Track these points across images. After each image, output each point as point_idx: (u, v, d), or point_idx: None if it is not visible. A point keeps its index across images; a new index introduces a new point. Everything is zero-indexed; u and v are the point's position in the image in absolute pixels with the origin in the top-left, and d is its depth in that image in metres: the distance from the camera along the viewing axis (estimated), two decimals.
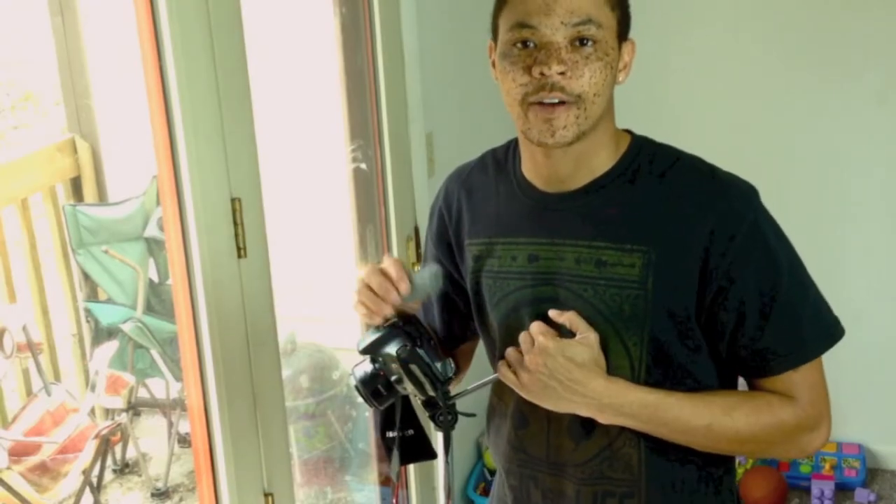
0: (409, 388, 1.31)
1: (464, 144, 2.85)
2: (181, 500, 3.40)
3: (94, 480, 3.07)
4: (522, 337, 1.29)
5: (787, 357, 1.30)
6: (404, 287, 1.30)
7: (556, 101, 1.22)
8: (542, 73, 1.21)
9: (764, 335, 1.29)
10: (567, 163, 1.31)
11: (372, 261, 2.64)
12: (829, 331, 1.34)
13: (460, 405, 1.35)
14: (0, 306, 3.33)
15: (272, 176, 1.90)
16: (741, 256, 1.25)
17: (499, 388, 1.46)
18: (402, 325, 1.31)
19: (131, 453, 3.53)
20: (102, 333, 3.42)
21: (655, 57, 3.02)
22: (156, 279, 3.59)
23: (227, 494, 1.83)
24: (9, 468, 2.78)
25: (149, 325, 3.32)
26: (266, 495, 1.91)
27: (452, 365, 1.33)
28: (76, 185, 3.71)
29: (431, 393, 1.30)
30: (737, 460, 3.13)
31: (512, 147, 1.43)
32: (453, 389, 1.35)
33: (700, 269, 1.26)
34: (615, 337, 1.30)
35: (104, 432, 2.90)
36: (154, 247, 3.51)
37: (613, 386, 1.28)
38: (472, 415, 1.42)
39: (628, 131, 1.37)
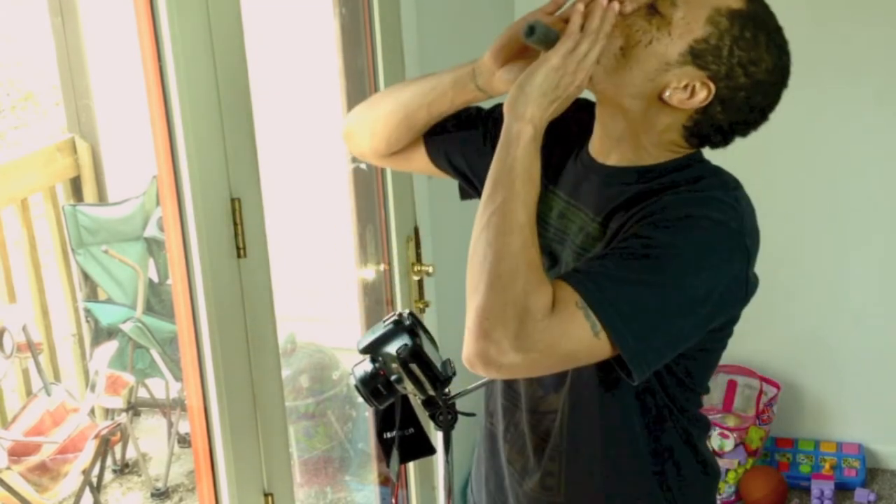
0: (408, 387, 1.31)
1: None
2: (181, 500, 3.40)
3: (94, 480, 3.07)
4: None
5: (579, 276, 1.20)
6: None
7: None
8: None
9: (593, 259, 1.24)
10: (602, 135, 1.34)
11: (372, 261, 2.64)
12: (624, 319, 1.18)
13: (460, 405, 1.35)
14: (0, 306, 3.33)
15: (272, 176, 1.90)
16: (643, 220, 1.23)
17: None
18: (403, 323, 1.31)
19: (131, 453, 3.53)
20: (102, 333, 3.42)
21: None
22: (156, 279, 3.59)
23: (226, 494, 1.83)
24: (9, 468, 2.78)
25: (149, 325, 3.32)
26: (266, 495, 1.91)
27: (452, 365, 1.33)
28: (76, 185, 3.71)
29: (431, 392, 1.30)
30: (737, 460, 3.16)
31: (592, 106, 1.42)
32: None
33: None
34: None
35: (104, 432, 2.90)
36: (154, 247, 3.51)
37: (537, 127, 1.25)
38: (472, 414, 1.43)
39: (696, 151, 1.35)
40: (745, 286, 1.27)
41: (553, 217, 1.40)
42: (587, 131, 1.39)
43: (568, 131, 1.43)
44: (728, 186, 1.30)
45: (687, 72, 1.24)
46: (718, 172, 1.33)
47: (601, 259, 1.23)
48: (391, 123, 1.53)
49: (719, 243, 1.24)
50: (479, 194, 1.32)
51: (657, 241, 1.21)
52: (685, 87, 1.24)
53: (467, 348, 1.16)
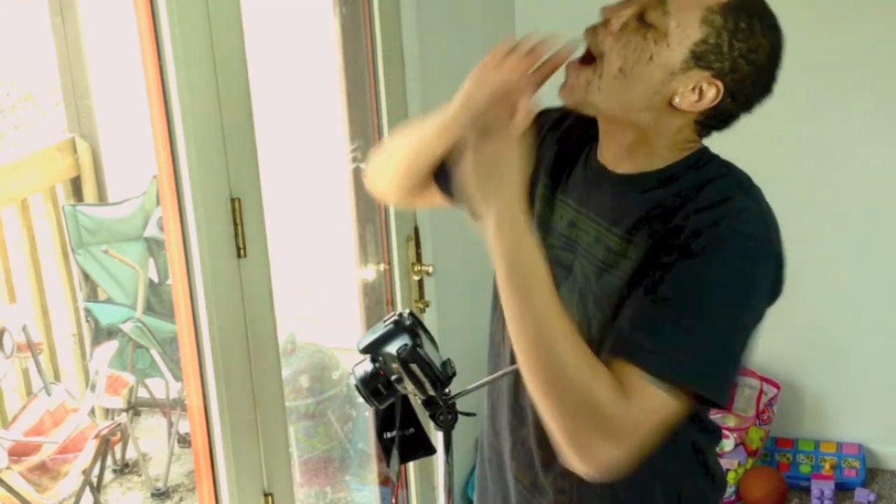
0: (409, 387, 1.31)
1: None
2: (181, 500, 3.40)
3: (94, 480, 3.07)
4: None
5: (640, 351, 1.17)
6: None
7: (586, 55, 1.25)
8: (595, 30, 1.26)
9: (642, 319, 1.21)
10: (612, 146, 1.33)
11: (372, 262, 2.64)
12: (701, 373, 1.19)
13: (460, 405, 1.35)
14: (0, 306, 3.33)
15: (272, 176, 1.90)
16: (686, 258, 1.20)
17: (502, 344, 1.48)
18: (403, 323, 1.31)
19: (131, 453, 3.53)
20: (102, 333, 3.42)
21: None
22: (156, 279, 3.59)
23: (227, 494, 1.83)
24: (9, 468, 2.78)
25: (149, 325, 3.32)
26: (266, 495, 1.91)
27: (452, 365, 1.33)
28: (76, 185, 3.71)
29: (431, 392, 1.30)
30: (737, 460, 3.16)
31: None
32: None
33: (654, 259, 1.25)
34: (605, 324, 1.28)
35: (104, 432, 2.90)
36: (154, 247, 3.51)
37: (518, 197, 1.21)
38: (472, 414, 1.42)
39: (704, 148, 1.34)
40: (780, 285, 1.29)
41: (563, 226, 1.39)
42: (589, 136, 1.39)
43: (569, 137, 1.44)
44: (743, 186, 1.30)
45: (692, 76, 1.23)
46: (731, 170, 1.33)
47: (645, 313, 1.20)
48: (399, 171, 1.55)
49: (754, 262, 1.23)
50: None
51: (696, 277, 1.20)
52: (693, 89, 1.24)
53: (573, 465, 1.18)
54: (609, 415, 1.14)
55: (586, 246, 1.34)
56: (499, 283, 1.22)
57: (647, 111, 1.26)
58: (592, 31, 1.27)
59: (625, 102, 1.26)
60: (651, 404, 1.16)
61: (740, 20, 1.24)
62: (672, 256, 1.21)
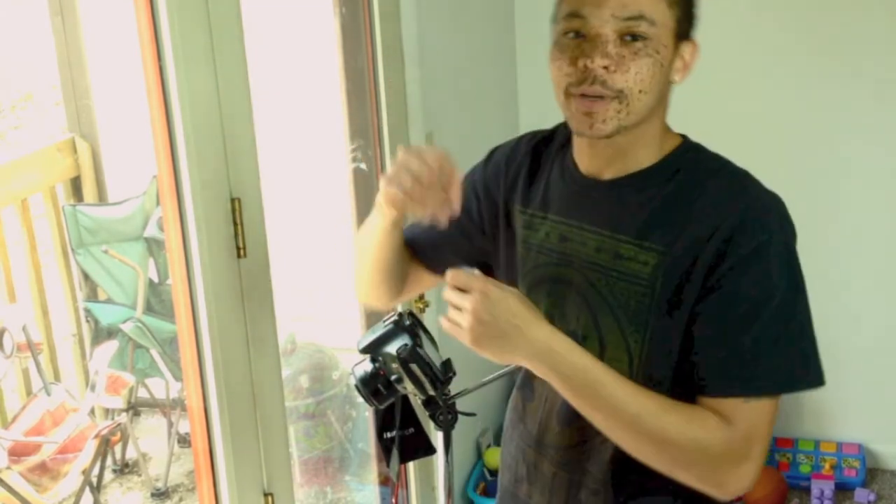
0: (408, 387, 1.31)
1: (464, 144, 2.85)
2: (181, 500, 3.40)
3: (94, 480, 3.07)
4: (458, 282, 1.25)
5: (732, 382, 1.23)
6: (455, 193, 1.28)
7: (598, 95, 1.22)
8: (585, 66, 1.22)
9: (721, 350, 1.24)
10: (608, 153, 1.32)
11: None
12: (791, 374, 1.25)
13: (460, 405, 1.35)
14: (0, 306, 3.33)
15: (272, 176, 1.90)
16: (741, 265, 1.22)
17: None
18: (403, 323, 1.31)
19: (131, 453, 3.53)
20: (102, 333, 3.42)
21: None
22: (156, 279, 3.59)
23: (226, 494, 1.83)
24: (9, 468, 2.78)
25: (149, 325, 3.32)
26: (266, 495, 1.91)
27: (452, 365, 1.33)
28: (76, 185, 3.71)
29: (431, 392, 1.30)
30: None
31: None
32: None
33: (706, 273, 1.24)
34: (617, 329, 1.30)
35: (104, 432, 2.90)
36: (154, 247, 3.51)
37: (556, 338, 1.25)
38: (472, 414, 1.42)
39: (682, 136, 1.36)
40: None
41: (552, 243, 1.38)
42: (548, 154, 1.43)
43: (529, 160, 1.46)
44: (740, 169, 1.32)
45: (679, 51, 1.28)
46: (718, 155, 1.35)
47: (722, 345, 1.23)
48: (375, 279, 1.52)
49: (790, 242, 1.27)
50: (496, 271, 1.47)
51: (759, 286, 1.23)
52: (681, 61, 1.29)
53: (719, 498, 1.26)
54: (724, 450, 1.22)
55: (586, 257, 1.34)
56: (562, 394, 1.28)
57: (658, 105, 1.29)
58: (581, 72, 1.23)
59: (647, 111, 1.26)
60: (757, 417, 1.23)
61: None
62: (719, 277, 1.23)
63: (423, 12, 2.44)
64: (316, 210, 3.12)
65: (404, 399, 1.38)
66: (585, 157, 1.36)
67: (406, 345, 1.28)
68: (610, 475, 1.36)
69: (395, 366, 1.30)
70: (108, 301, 3.48)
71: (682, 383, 1.27)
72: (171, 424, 3.46)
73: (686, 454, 1.23)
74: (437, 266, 1.54)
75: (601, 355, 1.30)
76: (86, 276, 3.50)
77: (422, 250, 1.55)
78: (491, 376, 1.44)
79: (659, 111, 1.30)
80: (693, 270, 1.24)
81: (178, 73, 1.62)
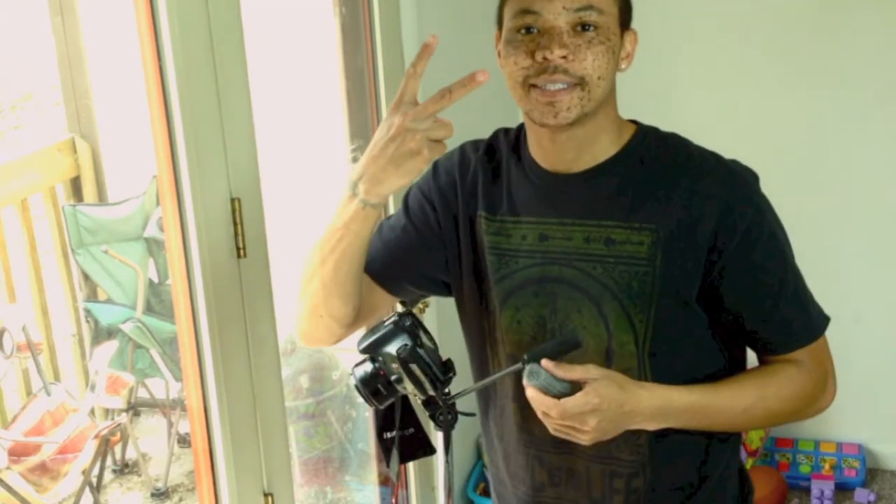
0: (408, 387, 1.31)
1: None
2: (181, 500, 3.40)
3: (94, 480, 3.07)
4: (543, 405, 1.27)
5: (799, 335, 1.38)
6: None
7: (560, 86, 1.26)
8: (544, 58, 1.25)
9: (776, 315, 1.36)
10: (571, 146, 1.34)
11: None
12: (821, 310, 1.43)
13: (460, 405, 1.35)
14: (0, 306, 3.33)
15: (272, 176, 1.90)
16: (748, 240, 1.31)
17: (492, 371, 1.48)
18: (403, 324, 1.31)
19: (131, 453, 3.53)
20: (102, 333, 3.42)
21: (655, 59, 3.02)
22: (156, 279, 3.59)
23: (226, 494, 1.83)
24: (8, 468, 2.78)
25: (149, 325, 3.32)
26: (266, 495, 1.91)
27: (452, 365, 1.33)
28: (76, 185, 3.71)
29: (431, 392, 1.30)
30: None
31: (523, 129, 1.45)
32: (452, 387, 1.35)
33: (707, 251, 1.30)
34: (622, 313, 1.33)
35: (104, 432, 2.90)
36: (154, 247, 3.51)
37: (657, 393, 1.32)
38: (472, 414, 1.43)
39: (633, 121, 1.41)
40: None
41: (530, 243, 1.39)
42: (496, 158, 1.44)
43: (484, 166, 1.45)
44: (703, 151, 1.38)
45: (623, 42, 1.32)
46: (675, 136, 1.40)
47: (773, 311, 1.37)
48: (330, 290, 1.38)
49: (771, 208, 1.37)
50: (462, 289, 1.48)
51: (772, 257, 1.35)
52: (627, 52, 1.34)
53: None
54: (813, 387, 1.40)
55: (575, 249, 1.35)
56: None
57: (611, 93, 1.33)
58: (539, 64, 1.27)
59: (605, 96, 1.31)
60: (822, 350, 1.42)
61: None
62: (730, 249, 1.31)
63: (423, 12, 2.44)
64: (316, 210, 3.11)
65: (404, 399, 1.38)
66: (549, 154, 1.37)
67: (406, 345, 1.28)
68: (650, 456, 1.40)
69: (395, 366, 1.30)
70: (108, 301, 3.48)
71: (708, 349, 1.39)
72: (171, 424, 3.46)
73: (790, 410, 1.40)
74: (391, 283, 1.47)
75: (608, 341, 1.34)
76: (86, 276, 3.50)
77: (377, 266, 1.45)
78: (491, 376, 1.44)
79: (612, 98, 1.34)
80: (695, 250, 1.31)
81: (178, 73, 1.62)
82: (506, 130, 1.49)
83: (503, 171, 1.44)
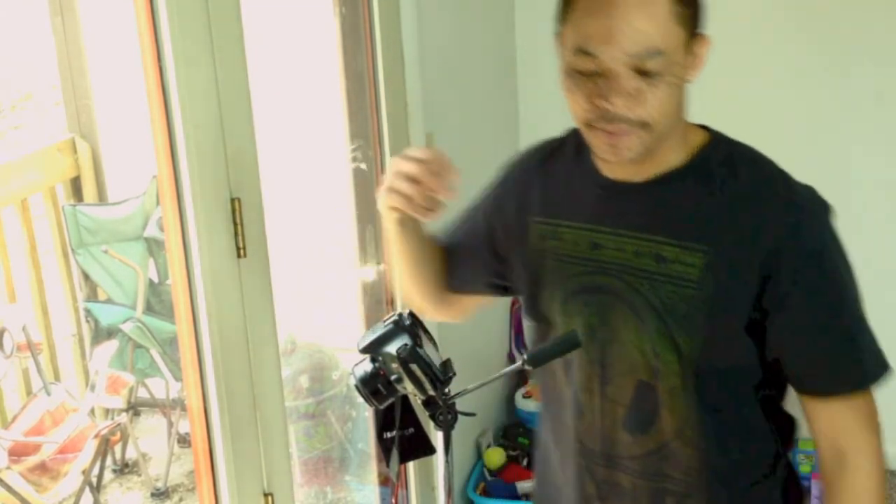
0: (408, 387, 1.31)
1: (464, 144, 2.85)
2: (181, 500, 3.40)
3: (94, 480, 3.07)
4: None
5: (844, 377, 1.31)
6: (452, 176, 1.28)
7: (622, 126, 1.20)
8: (604, 106, 1.19)
9: (824, 352, 1.30)
10: (628, 162, 1.28)
11: (372, 261, 2.64)
12: (882, 359, 1.34)
13: (460, 405, 1.35)
14: (0, 306, 3.34)
15: (272, 176, 1.90)
16: (808, 274, 1.25)
17: (553, 375, 1.45)
18: (403, 324, 1.31)
19: (131, 453, 3.53)
20: (102, 333, 3.42)
21: None
22: (156, 279, 3.60)
23: (226, 494, 1.83)
24: (8, 468, 2.78)
25: (149, 325, 3.32)
26: (266, 495, 1.91)
27: (452, 365, 1.33)
28: (76, 185, 3.71)
29: (431, 392, 1.30)
30: None
31: None
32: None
33: (762, 280, 1.25)
34: (666, 334, 1.29)
35: (104, 432, 2.90)
36: (154, 247, 3.51)
37: None
38: (472, 414, 1.42)
39: (704, 127, 1.34)
40: None
41: (582, 250, 1.35)
42: (564, 159, 1.40)
43: (543, 168, 1.43)
44: (774, 167, 1.32)
45: (692, 51, 1.22)
46: (748, 150, 1.33)
47: (826, 347, 1.31)
48: (409, 284, 1.55)
49: (839, 239, 1.31)
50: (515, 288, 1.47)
51: (832, 288, 1.30)
52: (697, 60, 1.24)
53: None
54: (878, 462, 1.33)
55: (625, 262, 1.31)
56: None
57: (676, 112, 1.26)
58: (599, 109, 1.20)
59: (670, 128, 1.25)
60: (870, 408, 1.33)
61: None
62: (788, 273, 1.25)
63: (423, 12, 2.44)
64: (316, 210, 3.12)
65: (404, 399, 1.38)
66: (611, 163, 1.32)
67: (406, 345, 1.28)
68: (704, 477, 1.35)
69: (395, 366, 1.30)
70: (108, 301, 3.49)
71: (752, 378, 1.33)
72: (171, 424, 3.46)
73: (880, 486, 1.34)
74: (461, 287, 1.55)
75: (653, 358, 1.30)
76: (86, 276, 3.50)
77: (450, 280, 1.54)
78: (491, 376, 1.44)
79: (679, 114, 1.27)
80: (749, 277, 1.25)
81: (178, 73, 1.62)
82: (577, 131, 1.38)
83: (562, 174, 1.40)
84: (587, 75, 1.19)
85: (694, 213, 1.27)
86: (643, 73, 1.17)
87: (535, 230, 1.41)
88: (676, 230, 1.28)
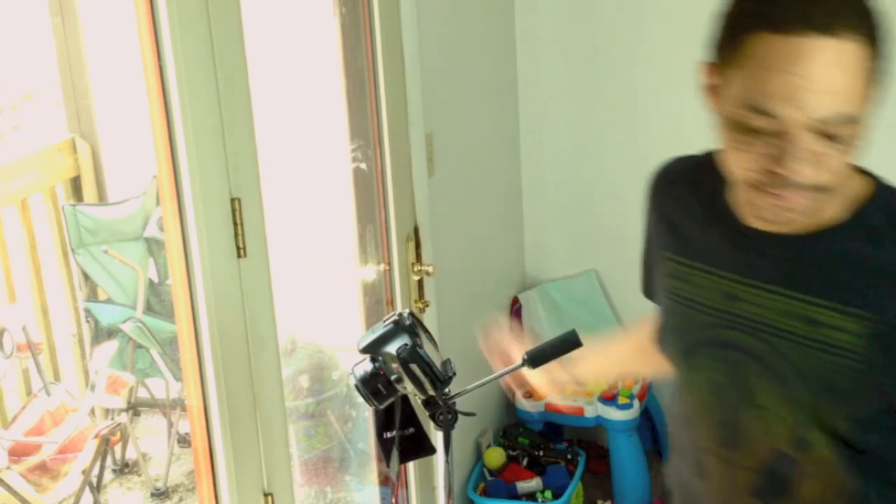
0: (408, 387, 1.31)
1: (464, 144, 2.85)
2: (181, 500, 3.41)
3: (94, 480, 3.07)
4: None
5: None
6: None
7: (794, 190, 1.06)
8: (775, 172, 1.04)
9: None
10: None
11: (372, 261, 2.64)
12: None
13: (460, 405, 1.35)
14: (0, 306, 3.34)
15: (272, 176, 1.90)
16: None
17: (678, 426, 1.37)
18: (403, 323, 1.31)
19: (131, 453, 3.53)
20: (102, 333, 3.42)
21: (652, 55, 3.02)
22: (156, 279, 3.60)
23: (226, 494, 1.83)
24: (9, 468, 2.78)
25: (149, 325, 3.33)
26: (266, 495, 1.91)
27: (452, 365, 1.33)
28: (76, 185, 3.71)
29: (431, 392, 1.30)
30: None
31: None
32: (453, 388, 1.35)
33: None
34: (819, 408, 1.15)
35: (104, 432, 2.91)
36: (154, 247, 3.51)
37: None
38: (472, 414, 1.42)
39: (870, 174, 1.18)
40: None
41: (715, 300, 1.21)
42: (703, 198, 1.24)
43: (679, 205, 1.29)
44: None
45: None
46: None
47: None
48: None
49: None
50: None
51: None
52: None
53: None
54: None
55: (767, 320, 1.17)
56: None
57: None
58: (769, 173, 1.05)
59: (843, 185, 1.11)
60: None
61: (878, 31, 1.04)
62: None
63: (423, 12, 2.44)
64: (316, 210, 3.12)
65: (404, 399, 1.38)
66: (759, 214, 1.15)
67: (406, 344, 1.28)
68: None
69: (395, 366, 1.30)
70: (108, 301, 3.49)
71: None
72: (171, 424, 3.46)
73: None
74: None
75: (800, 430, 1.17)
76: (86, 276, 3.50)
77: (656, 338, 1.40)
78: (491, 376, 1.44)
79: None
80: None
81: (178, 73, 1.62)
82: (699, 162, 1.27)
83: (699, 209, 1.25)
84: (756, 132, 1.03)
85: (855, 273, 1.12)
86: (828, 136, 1.02)
87: (666, 267, 1.30)
88: (834, 292, 1.12)
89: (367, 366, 1.33)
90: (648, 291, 1.43)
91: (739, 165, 1.07)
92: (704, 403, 1.25)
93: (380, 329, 1.32)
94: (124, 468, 3.55)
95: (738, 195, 1.17)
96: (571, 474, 2.99)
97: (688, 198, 1.28)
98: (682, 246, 1.26)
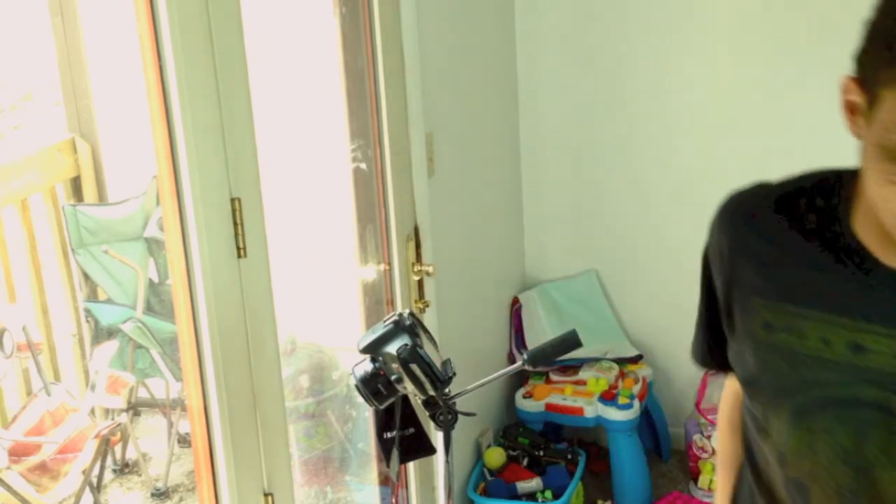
0: (409, 387, 1.31)
1: (464, 144, 2.85)
2: (181, 500, 3.40)
3: (94, 480, 3.07)
4: None
5: None
6: None
7: None
8: None
9: None
10: None
11: (372, 261, 2.64)
12: None
13: (460, 405, 1.35)
14: (0, 306, 3.34)
15: (272, 176, 1.90)
16: None
17: (771, 491, 1.20)
18: (403, 323, 1.31)
19: (131, 453, 3.53)
20: (102, 333, 3.42)
21: (651, 55, 3.02)
22: (156, 279, 3.60)
23: (227, 494, 1.83)
24: (9, 468, 2.78)
25: (149, 325, 3.33)
26: (266, 495, 1.91)
27: (452, 365, 1.33)
28: (76, 185, 3.71)
29: (431, 392, 1.30)
30: None
31: (837, 186, 1.08)
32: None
33: None
34: None
35: (104, 432, 2.91)
36: (154, 247, 3.51)
37: None
38: (472, 414, 1.43)
39: None
40: None
41: (838, 352, 1.05)
42: (792, 221, 1.10)
43: (752, 227, 1.13)
44: None
45: None
46: None
47: None
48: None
49: None
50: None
51: None
52: None
53: None
54: None
55: (887, 368, 1.02)
56: None
57: None
58: None
59: None
60: None
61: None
62: None
63: (423, 12, 2.44)
64: (316, 210, 3.12)
65: (404, 399, 1.38)
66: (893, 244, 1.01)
67: (406, 345, 1.28)
68: None
69: (395, 366, 1.30)
70: (108, 301, 3.49)
71: None
72: (171, 424, 3.46)
73: None
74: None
75: None
76: (86, 276, 3.50)
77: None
78: (491, 376, 1.44)
79: None
80: None
81: (178, 73, 1.62)
82: (821, 181, 1.10)
83: (798, 243, 1.08)
84: None
85: None
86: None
87: (758, 315, 1.11)
88: None
89: (367, 366, 1.33)
90: (708, 357, 1.26)
91: (891, 200, 0.94)
92: (824, 469, 1.09)
93: (380, 329, 1.32)
94: (124, 468, 3.55)
95: (872, 229, 1.02)
96: (571, 474, 2.99)
97: (785, 231, 1.09)
98: (781, 289, 1.09)
